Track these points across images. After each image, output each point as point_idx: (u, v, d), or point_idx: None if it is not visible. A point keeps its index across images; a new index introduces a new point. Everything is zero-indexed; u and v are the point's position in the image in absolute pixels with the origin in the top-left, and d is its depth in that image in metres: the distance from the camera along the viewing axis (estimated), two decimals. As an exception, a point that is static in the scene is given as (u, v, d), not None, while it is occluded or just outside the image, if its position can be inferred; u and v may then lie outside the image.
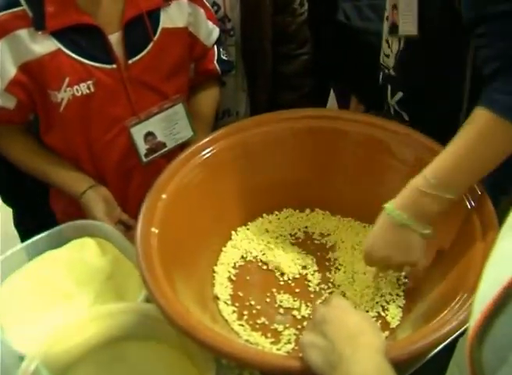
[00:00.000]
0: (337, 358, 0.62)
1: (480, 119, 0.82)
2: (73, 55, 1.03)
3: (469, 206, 0.88)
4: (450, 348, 0.72)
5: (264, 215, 1.09)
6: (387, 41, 1.08)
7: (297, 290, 0.97)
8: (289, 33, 1.37)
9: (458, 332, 0.72)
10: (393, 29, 1.03)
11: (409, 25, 0.97)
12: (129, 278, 0.99)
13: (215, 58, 1.25)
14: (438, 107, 1.02)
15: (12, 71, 1.02)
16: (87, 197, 1.12)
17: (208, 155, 1.01)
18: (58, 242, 1.06)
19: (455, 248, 0.88)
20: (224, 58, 1.27)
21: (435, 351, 0.79)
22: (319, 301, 0.94)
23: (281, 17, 1.34)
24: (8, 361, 0.91)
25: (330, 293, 0.96)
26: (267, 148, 1.05)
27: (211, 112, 1.28)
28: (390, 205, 0.86)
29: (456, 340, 0.71)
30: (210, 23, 1.20)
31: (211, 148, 1.02)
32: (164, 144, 1.18)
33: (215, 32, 1.23)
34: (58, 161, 1.16)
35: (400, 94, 1.08)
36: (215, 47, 1.25)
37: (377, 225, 0.88)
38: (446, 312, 0.76)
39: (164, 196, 0.94)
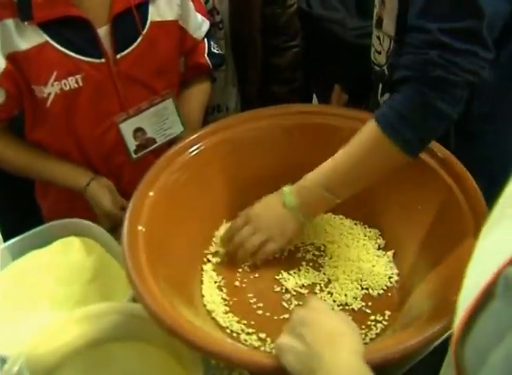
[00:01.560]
0: (316, 362, 0.61)
1: (367, 129, 0.87)
2: (61, 49, 1.01)
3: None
4: (444, 348, 0.71)
5: None
6: (378, 37, 1.06)
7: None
8: (279, 25, 1.35)
9: (445, 334, 0.71)
10: (379, 23, 1.01)
11: (389, 24, 0.97)
12: (115, 278, 0.97)
13: (206, 51, 1.22)
14: None
15: (2, 61, 0.99)
16: (92, 189, 1.11)
17: (195, 152, 0.99)
18: (43, 241, 1.04)
19: (447, 245, 0.86)
20: (215, 51, 1.24)
21: (427, 352, 0.77)
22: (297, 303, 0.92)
23: (270, 8, 1.32)
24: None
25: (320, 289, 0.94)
26: (256, 144, 1.03)
27: (202, 107, 1.26)
28: (287, 189, 0.93)
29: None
30: (199, 16, 1.18)
31: (199, 145, 1.00)
32: (154, 140, 1.16)
33: (205, 25, 1.20)
34: (53, 157, 1.13)
35: (387, 95, 1.06)
36: (206, 40, 1.22)
37: (270, 198, 0.96)
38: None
39: (151, 193, 0.92)
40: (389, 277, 0.95)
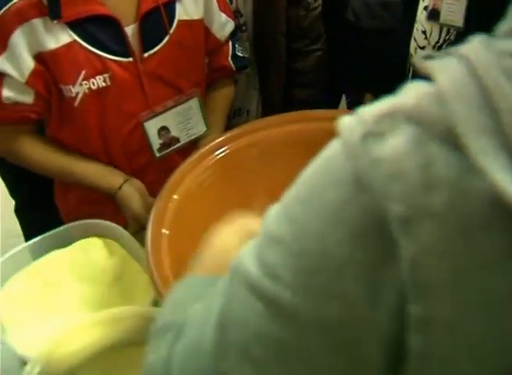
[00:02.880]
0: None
1: None
2: (89, 47, 1.00)
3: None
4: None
5: None
6: (423, 32, 1.02)
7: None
8: (302, 28, 1.33)
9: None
10: (433, 15, 0.98)
11: (454, 15, 0.94)
12: (136, 280, 0.96)
13: (230, 54, 1.21)
14: None
15: (30, 62, 0.98)
16: (124, 192, 1.09)
17: (221, 155, 0.98)
18: (64, 242, 1.03)
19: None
20: (239, 54, 1.23)
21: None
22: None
23: (294, 11, 1.30)
24: (9, 363, 0.88)
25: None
26: (283, 148, 1.02)
27: (225, 110, 1.25)
28: None
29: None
30: (223, 15, 1.16)
31: (224, 148, 0.99)
32: (177, 139, 1.15)
33: (230, 25, 1.19)
34: (84, 158, 1.11)
35: None
36: (230, 43, 1.21)
37: None
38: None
39: (175, 197, 0.91)
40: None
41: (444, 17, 0.96)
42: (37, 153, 1.10)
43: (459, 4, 0.92)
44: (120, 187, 1.09)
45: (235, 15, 1.25)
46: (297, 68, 1.37)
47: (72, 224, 1.04)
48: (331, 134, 1.10)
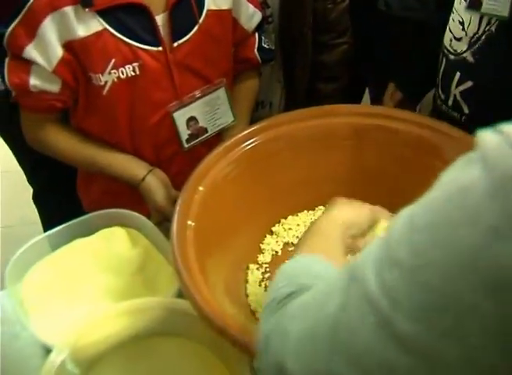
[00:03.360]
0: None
1: None
2: (119, 36, 0.99)
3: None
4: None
5: (304, 211, 1.05)
6: (461, 23, 0.99)
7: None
8: (329, 21, 1.32)
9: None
10: (474, 4, 0.94)
11: (498, 4, 0.90)
12: (160, 272, 0.96)
13: (256, 46, 1.20)
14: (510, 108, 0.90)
15: (59, 50, 0.97)
16: (148, 182, 1.08)
17: (248, 148, 0.97)
18: (87, 231, 1.02)
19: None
20: (265, 46, 1.22)
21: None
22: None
23: (322, 3, 1.29)
24: (31, 350, 0.89)
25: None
26: (312, 142, 1.01)
27: (251, 102, 1.24)
28: None
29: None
30: (251, 6, 1.15)
31: (251, 141, 0.97)
32: (205, 130, 1.14)
33: (257, 16, 1.18)
34: (109, 147, 1.11)
35: (469, 83, 1.01)
36: (257, 34, 1.20)
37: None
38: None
39: (201, 188, 0.90)
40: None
41: (486, 6, 0.92)
42: (63, 142, 1.10)
43: None
44: (144, 179, 1.09)
45: (261, 6, 1.24)
46: (324, 61, 1.36)
47: (95, 213, 1.04)
48: (365, 130, 1.08)
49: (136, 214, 1.02)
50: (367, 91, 1.69)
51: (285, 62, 1.34)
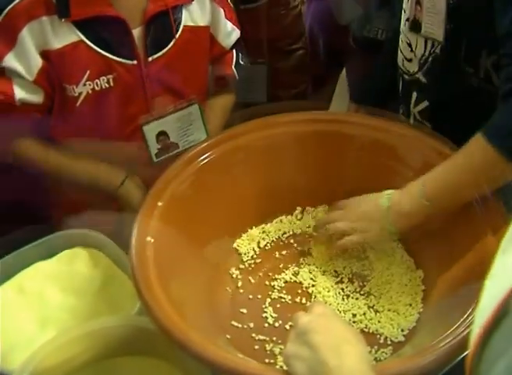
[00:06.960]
0: (323, 369, 0.59)
1: (474, 143, 0.82)
2: (95, 48, 1.00)
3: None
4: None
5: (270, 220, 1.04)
6: (409, 44, 0.99)
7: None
8: (284, 27, 1.33)
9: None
10: (415, 27, 0.95)
11: (434, 28, 0.91)
12: (122, 289, 0.94)
13: (233, 62, 1.21)
14: (469, 121, 0.86)
15: (38, 59, 0.97)
16: (126, 188, 1.07)
17: (205, 161, 0.97)
18: (48, 253, 1.01)
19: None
20: (242, 63, 1.23)
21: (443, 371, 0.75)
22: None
23: (275, 10, 1.31)
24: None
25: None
26: (268, 152, 1.01)
27: (225, 119, 1.23)
28: (388, 191, 0.89)
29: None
30: (229, 24, 1.16)
31: (209, 154, 0.98)
32: (176, 145, 1.12)
33: (235, 34, 1.19)
34: (83, 156, 1.09)
35: (425, 103, 1.01)
36: (234, 51, 1.21)
37: (371, 195, 0.92)
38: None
39: (160, 204, 0.90)
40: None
41: (425, 29, 0.93)
42: (35, 150, 1.08)
43: (437, 16, 0.90)
44: (122, 183, 1.07)
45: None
46: (280, 68, 1.37)
47: (55, 235, 1.02)
48: (319, 136, 1.08)
49: (96, 234, 1.01)
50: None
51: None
